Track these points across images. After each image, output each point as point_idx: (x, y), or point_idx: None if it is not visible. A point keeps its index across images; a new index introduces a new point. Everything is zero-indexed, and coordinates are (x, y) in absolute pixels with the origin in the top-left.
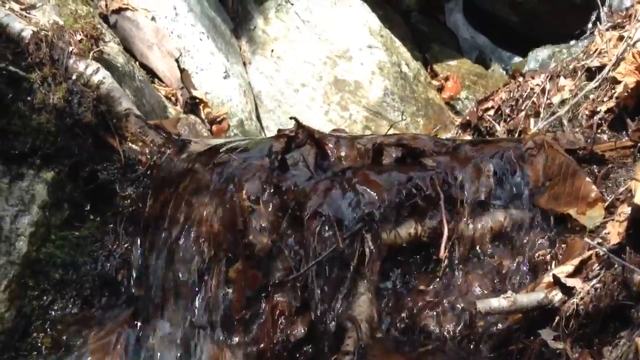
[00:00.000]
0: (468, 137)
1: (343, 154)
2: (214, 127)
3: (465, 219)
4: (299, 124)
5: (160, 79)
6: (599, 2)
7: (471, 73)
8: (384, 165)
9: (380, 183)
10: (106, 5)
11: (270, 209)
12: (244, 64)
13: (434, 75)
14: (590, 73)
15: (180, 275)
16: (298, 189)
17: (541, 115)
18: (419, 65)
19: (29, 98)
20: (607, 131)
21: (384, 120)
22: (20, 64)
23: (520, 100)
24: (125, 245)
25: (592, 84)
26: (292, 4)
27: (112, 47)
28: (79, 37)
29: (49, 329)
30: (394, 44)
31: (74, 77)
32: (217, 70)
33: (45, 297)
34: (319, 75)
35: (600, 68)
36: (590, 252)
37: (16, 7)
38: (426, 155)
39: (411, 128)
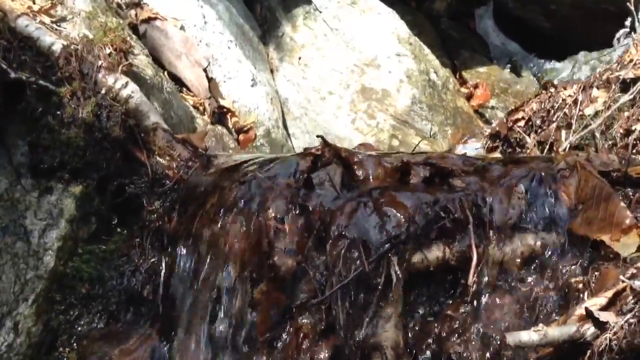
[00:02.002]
0: (498, 155)
1: (370, 172)
2: (241, 137)
3: (494, 243)
4: (325, 142)
5: (188, 89)
6: (634, 10)
7: (501, 80)
8: (412, 185)
9: (407, 205)
10: (136, 15)
11: (295, 230)
12: (271, 70)
13: (463, 82)
14: (625, 85)
15: (206, 294)
16: (324, 209)
17: (573, 128)
18: (447, 72)
19: (58, 112)
20: None
21: (411, 129)
22: (50, 78)
23: (552, 112)
24: (152, 260)
25: (627, 97)
26: (321, 12)
27: (141, 60)
28: (108, 51)
29: (75, 344)
30: (422, 52)
31: (103, 91)
32: (244, 78)
33: (71, 312)
34: (346, 83)
35: (635, 80)
36: (625, 283)
37: (47, 20)
38: (455, 175)
39: (439, 137)
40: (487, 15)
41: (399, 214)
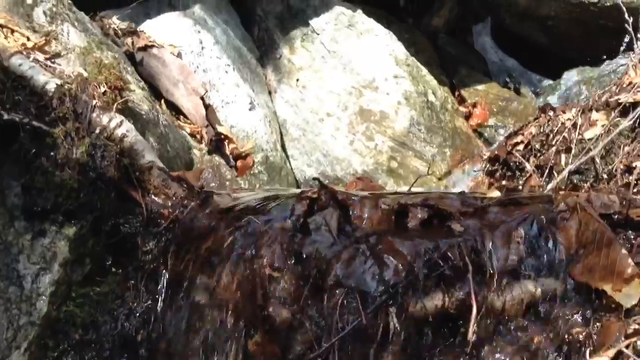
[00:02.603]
0: (496, 192)
1: (367, 215)
2: (239, 163)
3: (494, 290)
4: (321, 185)
5: (185, 116)
6: (631, 29)
7: (500, 98)
8: (410, 228)
9: (405, 252)
10: (132, 43)
11: (290, 278)
12: (270, 92)
13: (462, 100)
14: (625, 108)
15: (199, 343)
16: (320, 257)
17: (573, 152)
18: (445, 92)
19: (52, 153)
20: None
21: (410, 150)
22: (44, 118)
23: (551, 136)
24: (146, 304)
25: (626, 122)
26: (318, 34)
27: (137, 94)
28: (102, 89)
29: None
30: (420, 73)
31: (97, 130)
32: (242, 103)
33: (64, 359)
34: (344, 105)
35: (635, 104)
36: (627, 341)
37: (41, 57)
38: (453, 218)
39: (438, 159)
40: (484, 32)
41: (396, 262)
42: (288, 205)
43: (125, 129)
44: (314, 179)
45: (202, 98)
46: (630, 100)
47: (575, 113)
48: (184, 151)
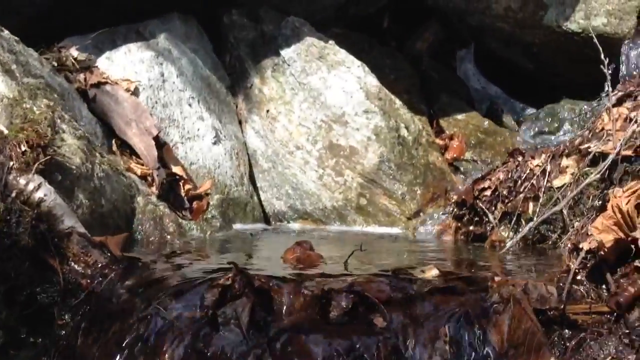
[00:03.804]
0: (435, 272)
1: (287, 303)
2: (195, 204)
3: None
4: (237, 269)
5: (138, 156)
6: (608, 74)
7: (479, 129)
8: (330, 322)
9: (317, 355)
10: (85, 79)
11: None
12: (240, 122)
13: (440, 131)
14: (595, 156)
15: None
16: (225, 358)
17: (540, 200)
18: (423, 122)
19: None
20: (585, 281)
21: (379, 188)
22: None
23: (519, 182)
24: None
25: (594, 175)
26: (289, 65)
27: (70, 146)
28: (23, 149)
29: None
30: (393, 106)
31: (13, 194)
32: (206, 136)
33: None
34: (314, 139)
35: (605, 155)
36: None
37: None
38: (378, 309)
39: (407, 198)
40: (467, 59)
41: None
42: (199, 293)
43: (44, 193)
44: (230, 262)
45: (155, 138)
46: (600, 149)
47: (544, 159)
48: (124, 202)
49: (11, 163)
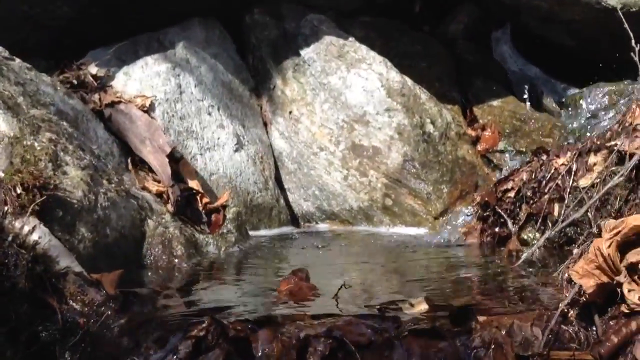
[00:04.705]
0: (425, 306)
1: (264, 350)
2: (213, 217)
3: None
4: (212, 319)
5: (154, 173)
6: (638, 61)
7: (515, 116)
8: None
9: None
10: (100, 99)
11: None
12: (265, 124)
13: (473, 120)
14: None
15: None
16: None
17: (566, 201)
18: (450, 116)
19: None
20: (573, 321)
21: (404, 188)
22: None
23: (544, 182)
24: None
25: (616, 179)
26: (309, 65)
27: (72, 178)
28: (18, 191)
29: None
30: (418, 102)
31: (9, 238)
32: (226, 145)
33: None
34: (337, 140)
35: (631, 154)
36: None
37: None
38: (356, 356)
39: (433, 197)
40: (504, 39)
41: None
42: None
43: (38, 235)
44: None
45: (170, 154)
46: (624, 148)
47: (570, 157)
48: (133, 227)
49: (6, 207)
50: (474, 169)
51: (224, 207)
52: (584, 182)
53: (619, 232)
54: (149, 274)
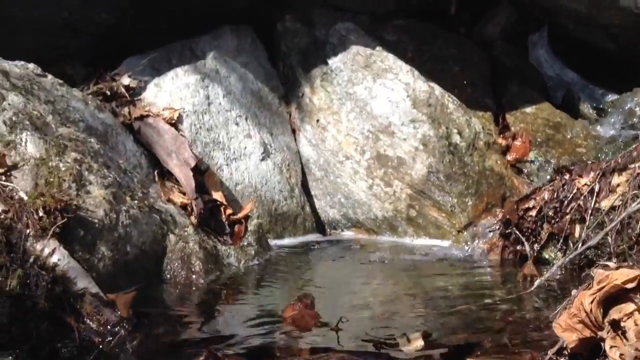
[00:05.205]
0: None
1: None
2: (236, 228)
3: None
4: (209, 352)
5: (181, 184)
6: None
7: (548, 124)
8: None
9: None
10: (129, 113)
11: None
12: (294, 130)
13: (505, 127)
14: None
15: None
16: None
17: (587, 223)
18: (480, 124)
19: None
20: None
21: (428, 200)
22: None
23: (565, 202)
24: None
25: (635, 205)
26: (336, 74)
27: (94, 197)
28: (40, 214)
29: None
30: (445, 112)
31: (31, 260)
32: (252, 154)
33: None
34: (362, 149)
35: None
36: None
37: None
38: None
39: (457, 210)
40: (540, 43)
41: None
42: None
43: (58, 257)
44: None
45: (194, 168)
46: None
47: (592, 178)
48: (154, 242)
49: (28, 230)
50: (501, 180)
51: (247, 218)
52: (605, 204)
53: (602, 288)
54: (167, 290)
